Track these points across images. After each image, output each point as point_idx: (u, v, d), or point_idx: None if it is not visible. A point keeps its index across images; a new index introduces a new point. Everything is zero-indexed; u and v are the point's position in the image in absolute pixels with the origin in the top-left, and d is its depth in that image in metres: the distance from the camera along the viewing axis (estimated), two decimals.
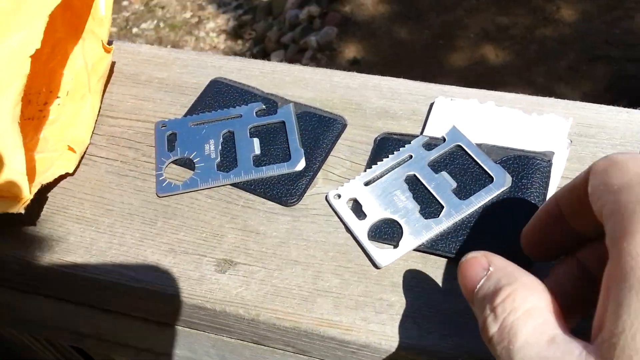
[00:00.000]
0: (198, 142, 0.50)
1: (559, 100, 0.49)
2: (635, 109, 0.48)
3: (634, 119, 0.47)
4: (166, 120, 0.51)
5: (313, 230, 0.44)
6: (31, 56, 0.42)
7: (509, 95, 0.49)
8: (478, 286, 0.28)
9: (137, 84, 0.55)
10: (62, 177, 0.49)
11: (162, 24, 3.33)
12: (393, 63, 2.62)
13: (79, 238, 0.45)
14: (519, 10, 2.65)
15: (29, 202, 0.43)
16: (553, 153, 0.45)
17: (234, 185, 0.47)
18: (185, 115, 0.52)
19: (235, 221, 0.45)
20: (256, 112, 0.51)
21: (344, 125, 0.50)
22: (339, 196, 0.45)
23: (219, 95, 0.53)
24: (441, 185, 0.44)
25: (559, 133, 0.47)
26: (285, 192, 0.46)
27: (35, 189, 0.44)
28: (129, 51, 0.57)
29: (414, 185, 0.45)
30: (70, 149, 0.49)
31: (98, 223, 0.46)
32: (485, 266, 0.28)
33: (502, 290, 0.26)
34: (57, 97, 0.53)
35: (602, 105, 0.48)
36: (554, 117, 0.48)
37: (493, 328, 0.25)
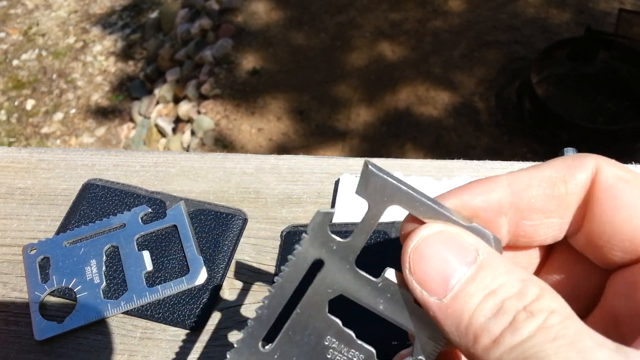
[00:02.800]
0: (76, 265, 0.43)
1: (468, 161, 0.46)
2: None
3: None
4: (35, 242, 0.44)
5: None
6: None
7: (416, 162, 0.46)
8: (463, 279, 0.21)
9: None
10: None
11: (44, 53, 3.12)
12: (293, 70, 2.58)
13: None
14: (409, 5, 2.68)
15: None
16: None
17: (127, 313, 0.41)
18: (57, 233, 0.44)
19: (134, 359, 0.39)
20: (142, 218, 0.44)
21: (245, 220, 0.44)
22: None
23: (96, 201, 0.46)
24: None
25: None
26: (188, 313, 0.40)
27: None
28: None
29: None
30: None
31: None
32: (471, 250, 0.22)
33: (528, 288, 0.21)
34: None
35: (513, 162, 0.45)
36: (466, 179, 0.45)
37: (530, 325, 0.20)
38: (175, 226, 0.44)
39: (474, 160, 0.46)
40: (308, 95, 2.44)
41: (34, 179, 0.47)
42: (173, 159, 0.48)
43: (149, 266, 0.42)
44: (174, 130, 2.60)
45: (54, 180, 0.47)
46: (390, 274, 0.23)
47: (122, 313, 0.41)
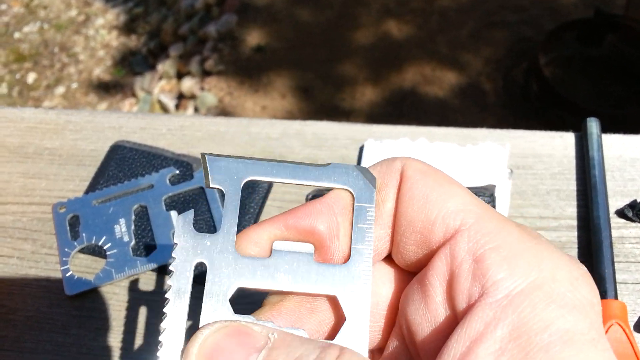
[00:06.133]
0: (106, 223, 0.43)
1: (492, 130, 0.46)
2: (567, 131, 0.46)
3: (568, 143, 0.46)
4: (65, 200, 0.44)
5: None
6: None
7: (439, 130, 0.46)
8: None
9: (25, 159, 0.47)
10: None
11: (46, 25, 3.09)
12: (298, 47, 2.57)
13: None
14: None
15: None
16: (494, 186, 0.43)
17: (156, 271, 0.42)
18: (86, 192, 0.45)
19: (163, 314, 0.40)
20: (169, 180, 0.45)
21: (270, 184, 0.45)
22: None
23: (124, 162, 0.46)
24: None
25: (498, 162, 0.45)
26: None
27: None
28: (10, 118, 0.49)
29: None
30: None
31: (2, 339, 0.39)
32: (262, 336, 0.20)
33: (327, 350, 0.19)
34: None
35: (535, 132, 0.46)
36: (490, 145, 0.45)
37: None
38: (202, 188, 0.45)
39: (497, 129, 0.46)
40: (313, 73, 2.42)
41: (62, 139, 0.48)
42: (199, 123, 0.48)
43: None
44: (177, 106, 2.59)
45: (82, 142, 0.48)
46: (278, 245, 0.22)
47: (152, 270, 0.42)
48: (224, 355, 0.20)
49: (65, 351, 0.39)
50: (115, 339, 0.39)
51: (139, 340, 0.39)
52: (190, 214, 0.22)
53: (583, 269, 0.20)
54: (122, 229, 0.43)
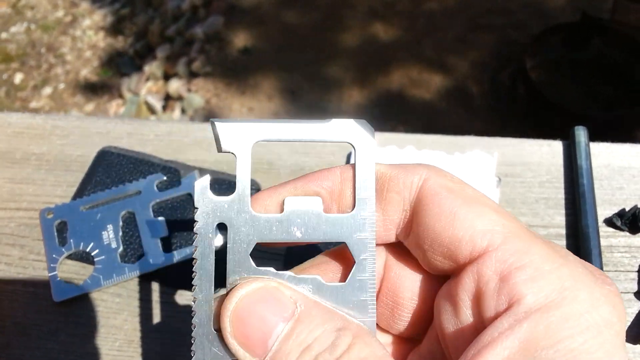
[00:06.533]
0: (94, 229, 0.43)
1: (479, 138, 0.47)
2: (556, 139, 0.47)
3: (556, 151, 0.46)
4: (52, 206, 0.44)
5: None
6: None
7: (428, 137, 0.47)
8: (281, 336, 0.21)
9: (12, 164, 0.47)
10: None
11: (33, 26, 3.07)
12: (284, 49, 2.56)
13: None
14: None
15: None
16: None
17: (144, 277, 0.42)
18: (74, 198, 0.45)
19: (151, 321, 0.40)
20: (157, 186, 0.45)
21: (258, 190, 0.45)
22: None
23: (111, 168, 0.46)
24: None
25: (486, 171, 0.45)
26: None
27: None
28: None
29: None
30: None
31: None
32: (290, 304, 0.22)
33: (341, 338, 0.21)
34: None
35: (523, 140, 0.47)
36: (478, 153, 0.46)
37: None
38: (189, 194, 0.45)
39: (485, 137, 0.47)
40: (300, 75, 2.42)
41: (49, 145, 0.48)
42: (186, 128, 0.48)
43: (164, 232, 0.43)
44: (164, 107, 2.58)
45: (69, 147, 0.48)
46: (289, 201, 0.24)
47: (139, 277, 0.42)
48: (256, 321, 0.22)
49: (53, 357, 0.39)
50: (103, 345, 0.39)
51: (126, 347, 0.39)
52: (207, 179, 0.24)
53: (608, 288, 0.21)
54: (110, 235, 0.43)
